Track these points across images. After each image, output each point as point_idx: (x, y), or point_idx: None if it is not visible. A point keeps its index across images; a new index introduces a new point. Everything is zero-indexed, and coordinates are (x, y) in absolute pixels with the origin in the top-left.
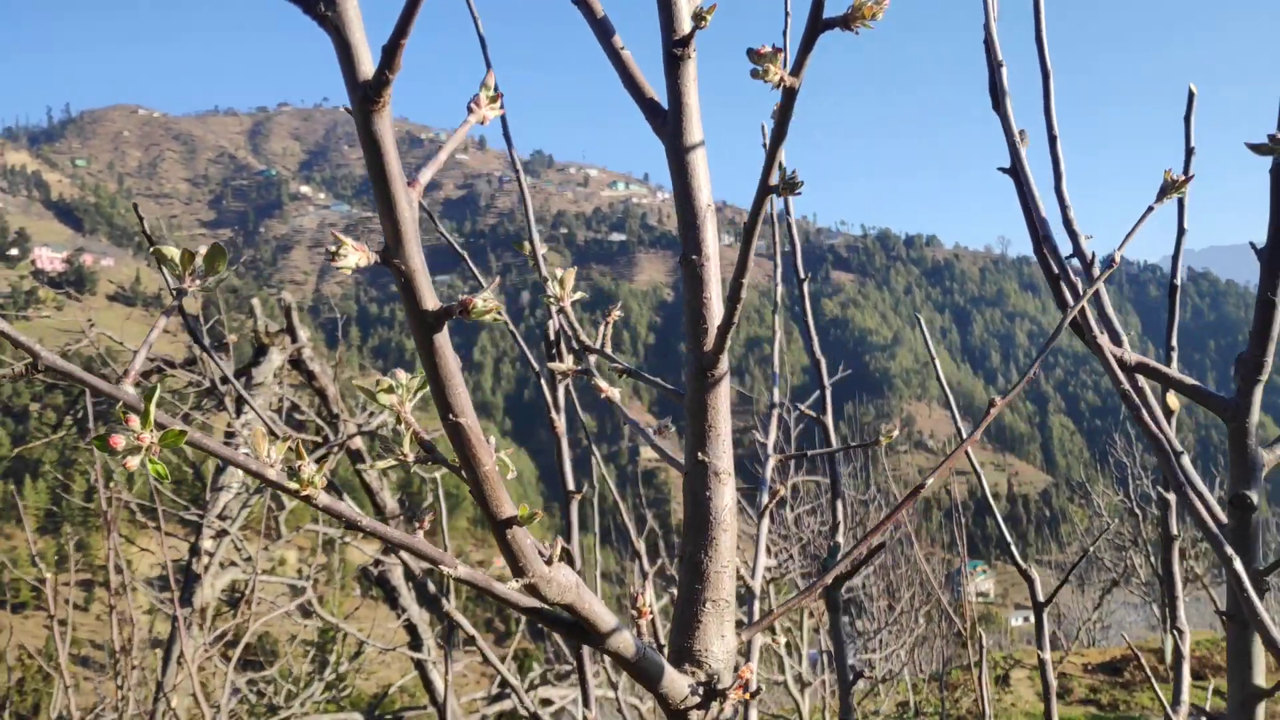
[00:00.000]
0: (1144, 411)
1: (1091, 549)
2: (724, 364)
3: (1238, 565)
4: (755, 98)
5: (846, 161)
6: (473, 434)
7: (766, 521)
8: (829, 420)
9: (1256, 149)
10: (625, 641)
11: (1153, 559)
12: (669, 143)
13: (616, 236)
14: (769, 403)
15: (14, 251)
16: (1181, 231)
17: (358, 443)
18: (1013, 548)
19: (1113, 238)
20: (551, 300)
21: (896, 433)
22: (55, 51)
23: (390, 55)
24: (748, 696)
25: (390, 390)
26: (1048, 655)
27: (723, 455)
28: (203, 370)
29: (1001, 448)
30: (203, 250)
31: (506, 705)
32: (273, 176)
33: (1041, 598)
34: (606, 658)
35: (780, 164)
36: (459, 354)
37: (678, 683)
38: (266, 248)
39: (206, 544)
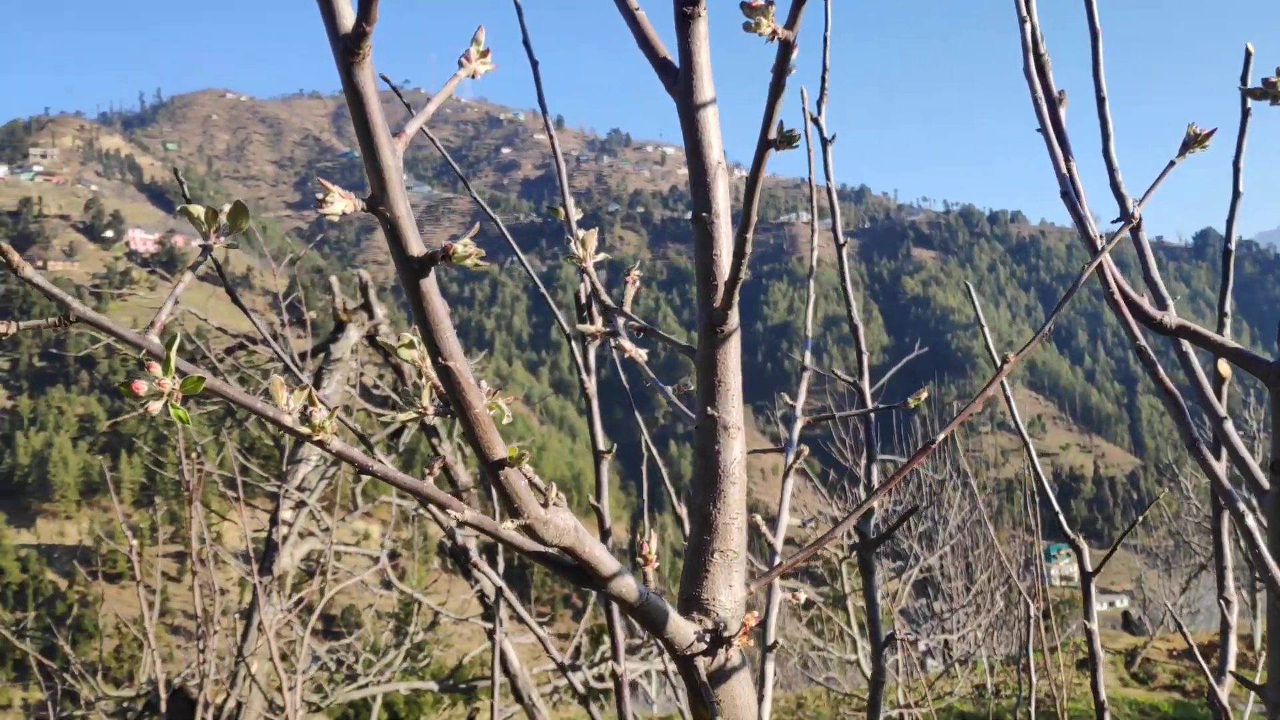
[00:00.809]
0: (1159, 368)
1: (1140, 519)
2: (733, 320)
3: (1250, 521)
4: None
5: (929, 140)
6: (462, 377)
7: (792, 481)
8: (865, 385)
9: (1251, 93)
10: (628, 586)
11: (1241, 543)
12: (680, 101)
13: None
14: (801, 366)
15: (109, 233)
16: (1236, 195)
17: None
18: (1060, 516)
19: (1199, 214)
20: (574, 261)
21: (925, 395)
22: (146, 37)
23: (366, 7)
24: (752, 643)
25: (411, 345)
26: (1094, 626)
27: (732, 410)
28: (284, 347)
29: (1088, 429)
30: (226, 208)
31: (578, 677)
32: (355, 159)
33: (1090, 567)
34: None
35: (815, 115)
36: (537, 333)
37: (683, 629)
38: (350, 229)
39: (285, 514)
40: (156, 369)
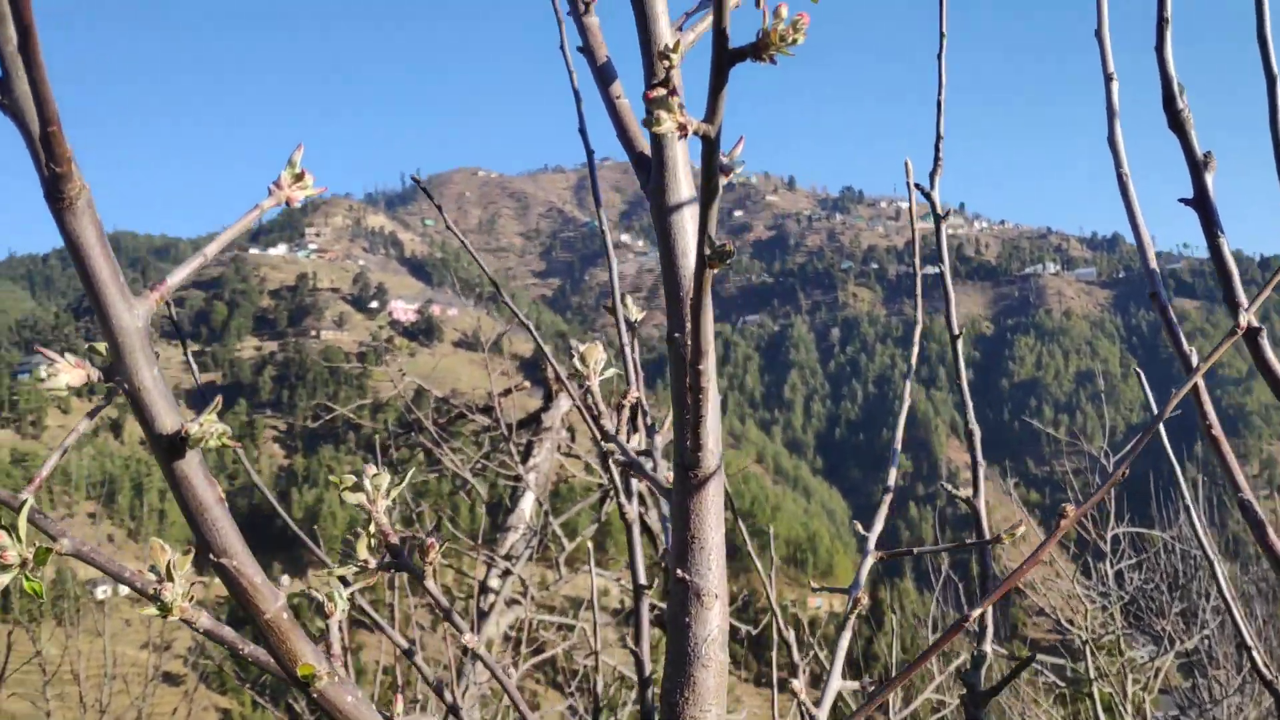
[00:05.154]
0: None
1: None
2: (709, 463)
3: None
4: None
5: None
6: (244, 577)
7: (848, 635)
8: (981, 504)
9: None
10: None
11: None
12: (651, 200)
13: (930, 270)
14: (883, 488)
15: (374, 304)
16: None
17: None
18: None
19: None
20: (578, 379)
21: (1022, 529)
22: (407, 124)
23: (49, 145)
24: None
25: (356, 489)
26: None
27: (707, 572)
28: (498, 417)
29: None
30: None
31: None
32: (593, 227)
33: None
34: None
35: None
36: (770, 393)
37: None
38: (590, 294)
39: (493, 582)
40: (4, 538)
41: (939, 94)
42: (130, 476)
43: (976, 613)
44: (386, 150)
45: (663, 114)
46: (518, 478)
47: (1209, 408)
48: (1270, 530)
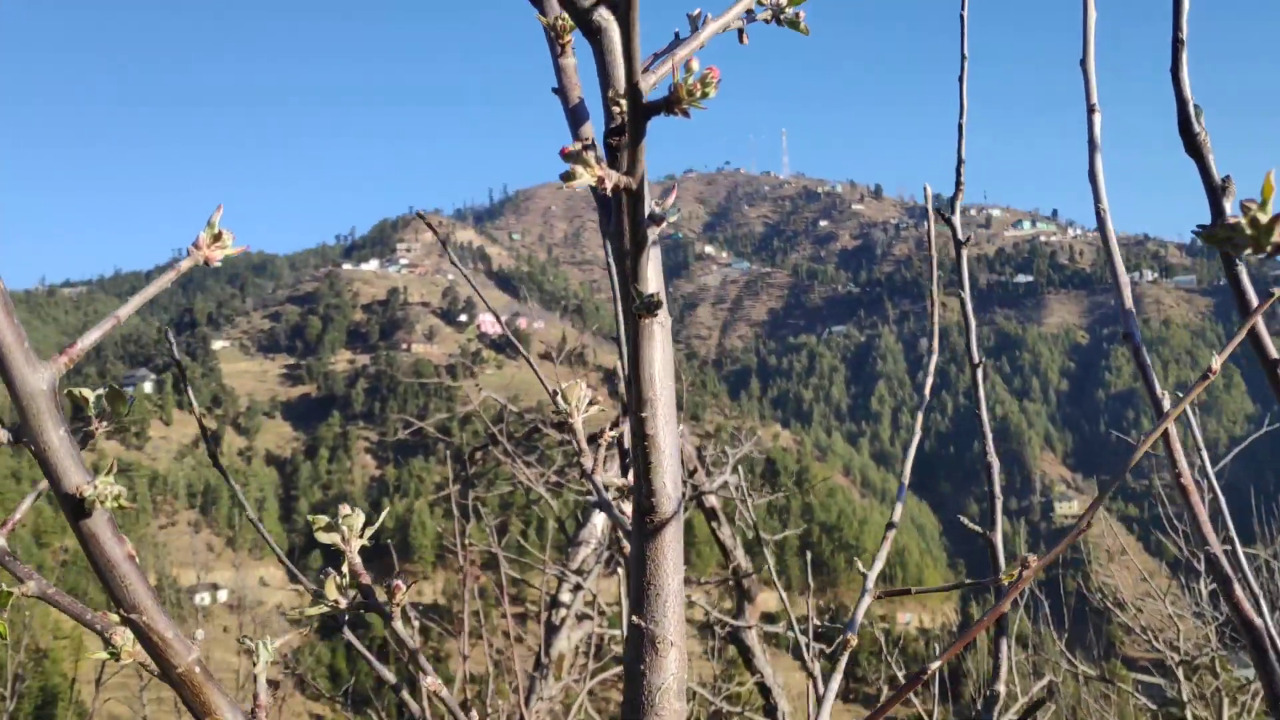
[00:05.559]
0: None
1: None
2: (665, 507)
3: None
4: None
5: None
6: (154, 632)
7: (839, 678)
8: (997, 538)
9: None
10: None
11: None
12: (611, 244)
13: (1022, 278)
14: (898, 517)
15: (463, 318)
16: None
17: (712, 500)
18: None
19: None
20: (562, 415)
21: (1029, 568)
22: (496, 141)
23: None
24: None
25: (330, 529)
26: None
27: (663, 619)
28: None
29: None
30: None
31: None
32: (679, 239)
33: None
34: None
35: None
36: (856, 404)
37: None
38: (674, 306)
39: (564, 596)
40: None
41: (960, 118)
42: (229, 487)
43: (935, 665)
44: (474, 167)
45: (579, 169)
46: (589, 492)
47: (1178, 456)
48: (1237, 587)
